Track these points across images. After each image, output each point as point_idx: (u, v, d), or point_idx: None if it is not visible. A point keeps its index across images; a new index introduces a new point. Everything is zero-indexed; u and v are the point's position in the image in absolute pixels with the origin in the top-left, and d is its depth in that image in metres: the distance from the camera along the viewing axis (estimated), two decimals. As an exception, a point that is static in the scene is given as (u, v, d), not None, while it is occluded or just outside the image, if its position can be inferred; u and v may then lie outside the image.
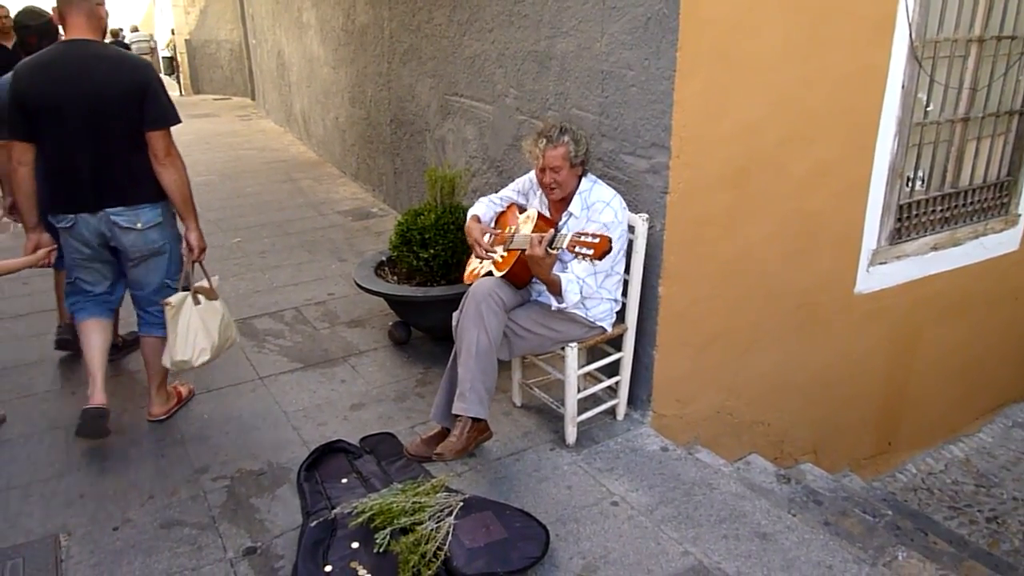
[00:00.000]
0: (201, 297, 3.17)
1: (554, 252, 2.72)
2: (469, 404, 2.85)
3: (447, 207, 3.88)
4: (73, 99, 2.83)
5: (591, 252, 2.58)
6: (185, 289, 3.17)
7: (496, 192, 3.36)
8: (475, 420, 2.89)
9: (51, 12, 3.28)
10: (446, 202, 3.92)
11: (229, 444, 3.21)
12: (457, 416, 2.87)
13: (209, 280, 3.25)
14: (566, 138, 2.88)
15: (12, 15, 3.43)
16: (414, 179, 5.88)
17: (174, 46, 16.18)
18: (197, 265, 3.19)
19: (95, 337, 3.19)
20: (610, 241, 2.60)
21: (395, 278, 4.01)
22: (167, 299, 3.11)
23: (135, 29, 18.28)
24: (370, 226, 6.23)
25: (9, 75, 2.96)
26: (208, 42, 14.83)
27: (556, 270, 2.88)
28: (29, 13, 3.76)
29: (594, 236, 2.61)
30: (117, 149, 2.92)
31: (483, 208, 3.28)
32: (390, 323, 4.14)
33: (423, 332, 4.11)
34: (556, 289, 2.86)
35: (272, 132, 10.66)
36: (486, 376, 2.87)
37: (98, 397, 3.10)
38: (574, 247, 2.63)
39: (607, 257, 2.69)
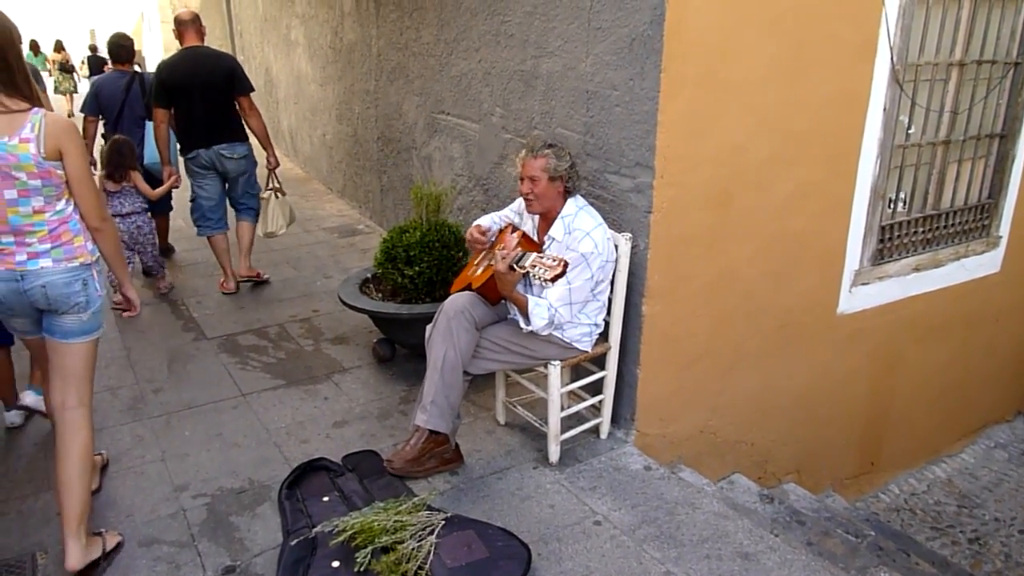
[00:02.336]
0: (279, 194, 5.11)
1: (519, 271, 2.73)
2: (429, 416, 2.87)
3: (432, 224, 3.88)
4: (193, 81, 4.60)
5: (546, 275, 2.60)
6: (271, 189, 5.05)
7: (483, 212, 3.39)
8: (433, 433, 2.89)
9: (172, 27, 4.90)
10: (431, 219, 3.92)
11: (210, 461, 3.18)
12: (417, 427, 2.88)
13: (280, 185, 5.11)
14: (548, 151, 2.91)
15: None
16: (400, 196, 5.89)
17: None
18: (273, 174, 5.07)
19: (220, 242, 4.98)
20: (566, 266, 2.61)
21: (380, 295, 4.00)
22: (262, 194, 5.08)
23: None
24: (356, 243, 6.22)
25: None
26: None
27: (533, 294, 2.90)
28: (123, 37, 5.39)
29: (553, 260, 2.63)
30: (220, 108, 4.71)
31: (488, 221, 3.31)
32: (374, 340, 4.13)
33: (408, 349, 4.09)
34: (522, 309, 2.87)
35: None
36: (450, 391, 2.88)
37: (230, 284, 5.08)
38: (535, 266, 2.66)
39: (578, 280, 2.76)
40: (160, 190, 4.87)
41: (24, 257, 2.39)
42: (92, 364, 2.64)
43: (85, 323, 2.52)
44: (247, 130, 4.90)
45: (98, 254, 2.55)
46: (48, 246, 2.41)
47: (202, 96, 4.60)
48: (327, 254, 5.94)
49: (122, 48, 5.28)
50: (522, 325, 2.93)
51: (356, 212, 7.14)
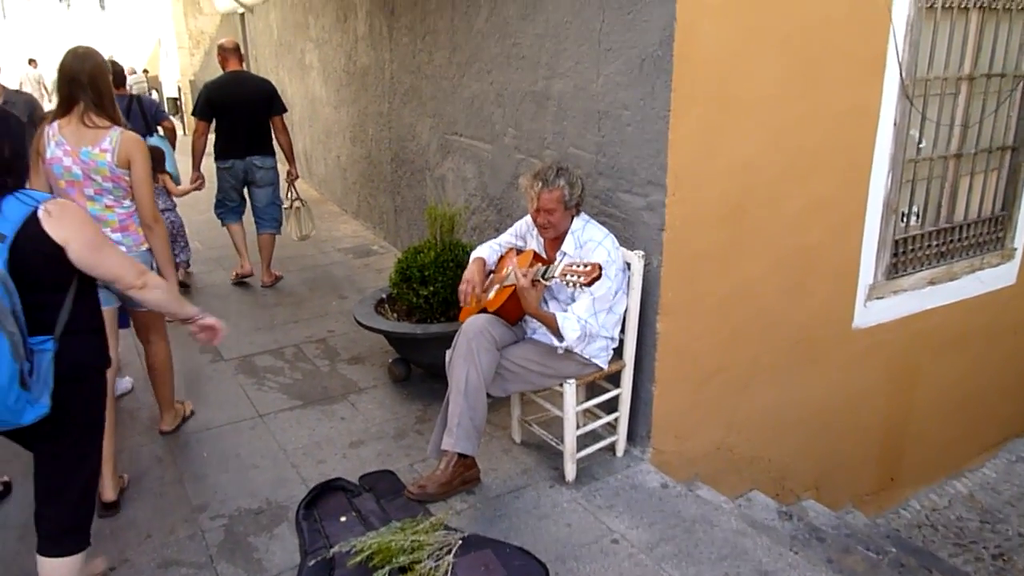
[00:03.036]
0: (302, 202, 5.94)
1: (543, 283, 2.74)
2: (456, 439, 2.87)
3: (446, 244, 3.92)
4: (236, 100, 5.33)
5: (582, 279, 2.61)
6: (294, 199, 5.82)
7: (496, 232, 3.41)
8: (462, 456, 2.90)
9: (217, 53, 5.63)
10: (445, 239, 3.96)
11: (228, 482, 3.20)
12: (444, 451, 2.88)
13: (299, 195, 5.91)
14: (561, 182, 2.92)
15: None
16: (414, 217, 5.94)
17: (179, 88, 16.42)
18: (293, 185, 5.80)
19: (237, 230, 5.73)
20: (601, 268, 2.62)
21: (395, 315, 4.03)
22: (285, 205, 5.82)
23: (132, 72, 18.64)
24: (371, 263, 6.27)
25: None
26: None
27: (555, 310, 2.91)
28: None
29: (585, 264, 2.65)
30: (258, 125, 5.43)
31: (487, 251, 3.32)
32: (390, 360, 4.15)
33: (423, 369, 4.11)
34: (552, 327, 2.88)
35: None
36: (475, 412, 2.88)
37: (246, 266, 5.75)
38: (566, 274, 2.66)
39: (601, 288, 2.74)
40: (184, 188, 5.24)
41: None
42: (162, 316, 3.32)
43: None
44: (275, 145, 5.62)
45: None
46: (120, 235, 3.03)
47: (243, 113, 5.34)
48: (342, 274, 5.99)
49: (117, 75, 5.41)
50: (555, 343, 2.94)
51: (370, 233, 7.20)
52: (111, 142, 2.89)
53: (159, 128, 5.20)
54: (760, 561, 2.68)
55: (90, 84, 2.90)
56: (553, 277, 2.73)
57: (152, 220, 3.05)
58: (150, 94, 17.44)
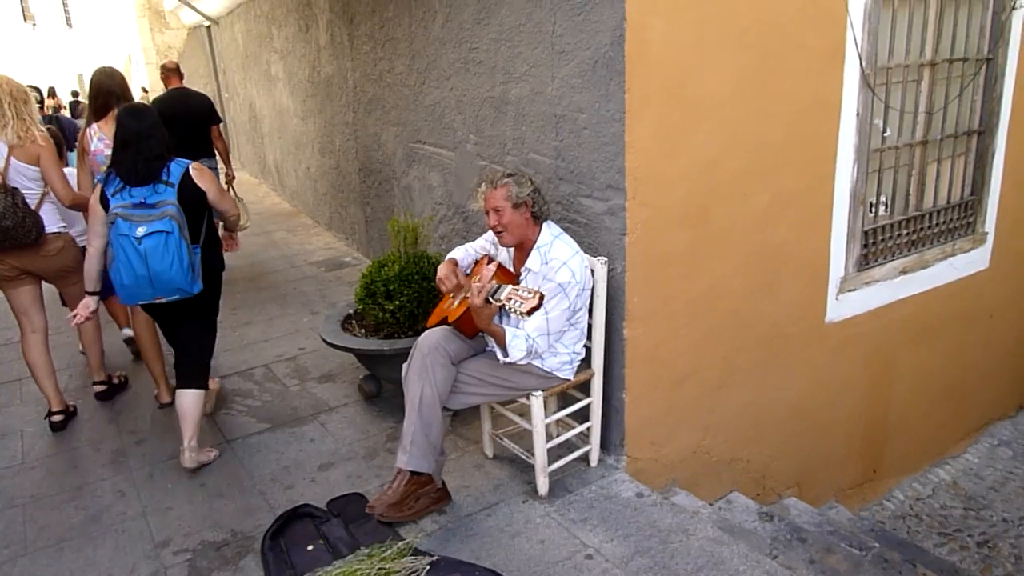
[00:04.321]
0: (239, 198, 5.83)
1: (494, 304, 2.68)
2: (409, 457, 2.80)
3: (411, 257, 3.84)
4: (181, 113, 5.63)
5: (522, 307, 2.55)
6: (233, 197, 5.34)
7: (464, 240, 3.35)
8: (415, 474, 2.83)
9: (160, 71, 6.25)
10: (409, 252, 3.88)
11: (192, 514, 3.11)
12: (399, 469, 2.82)
13: (236, 193, 6.08)
14: (507, 180, 2.86)
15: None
16: (384, 227, 5.84)
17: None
18: (231, 184, 6.08)
19: None
20: (542, 298, 2.56)
21: (363, 331, 3.94)
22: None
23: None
24: (343, 276, 6.18)
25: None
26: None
27: (510, 324, 2.84)
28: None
29: (528, 292, 2.58)
30: (200, 134, 5.81)
31: (461, 253, 3.24)
32: (360, 377, 4.07)
33: (393, 385, 4.03)
34: (500, 341, 2.81)
35: (248, 183, 10.63)
36: (429, 429, 2.82)
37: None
38: (509, 299, 2.60)
39: (556, 309, 2.73)
40: None
41: None
42: None
43: None
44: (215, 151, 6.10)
45: None
46: None
47: (187, 124, 5.67)
48: (313, 289, 5.90)
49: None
50: (500, 357, 2.88)
51: (343, 244, 7.11)
52: None
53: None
54: (737, 570, 2.62)
55: (121, 94, 3.88)
56: (500, 300, 2.66)
57: None
58: None
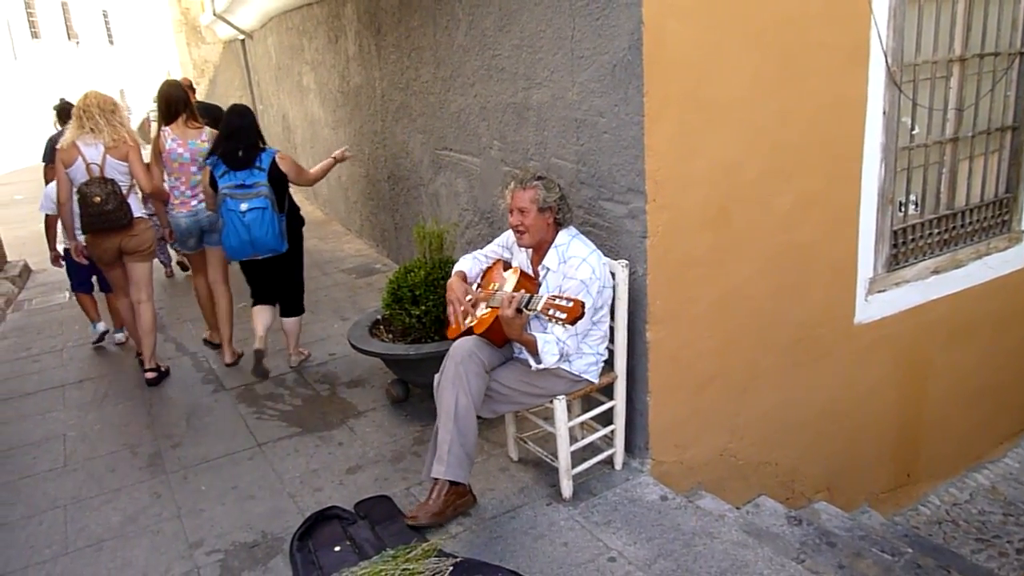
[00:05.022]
0: None
1: (527, 313, 2.69)
2: (447, 467, 2.82)
3: (436, 263, 3.88)
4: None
5: (564, 316, 2.55)
6: None
7: (485, 245, 3.37)
8: (453, 483, 2.85)
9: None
10: (435, 258, 3.93)
11: (224, 516, 3.19)
12: (435, 479, 2.84)
13: None
14: (537, 183, 2.89)
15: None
16: (413, 234, 5.91)
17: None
18: None
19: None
20: (583, 307, 2.56)
21: (390, 336, 4.00)
22: None
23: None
24: (373, 282, 6.25)
25: None
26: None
27: (536, 330, 2.86)
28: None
29: (568, 300, 2.58)
30: None
31: (469, 264, 3.26)
32: (388, 381, 4.12)
33: (420, 389, 4.08)
34: (533, 349, 2.83)
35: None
36: (465, 439, 2.83)
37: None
38: (547, 310, 2.60)
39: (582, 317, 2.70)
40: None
41: (196, 203, 4.48)
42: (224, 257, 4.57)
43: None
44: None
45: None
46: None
47: None
48: (344, 296, 5.98)
49: (65, 110, 6.66)
50: (532, 364, 2.89)
51: (374, 251, 7.20)
52: (207, 136, 4.45)
53: None
54: (761, 574, 2.61)
55: (187, 101, 4.52)
56: (535, 310, 2.67)
57: None
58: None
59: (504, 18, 3.67)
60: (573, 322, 2.56)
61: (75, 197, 4.18)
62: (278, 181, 4.12)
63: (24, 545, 3.11)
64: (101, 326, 5.32)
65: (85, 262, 4.67)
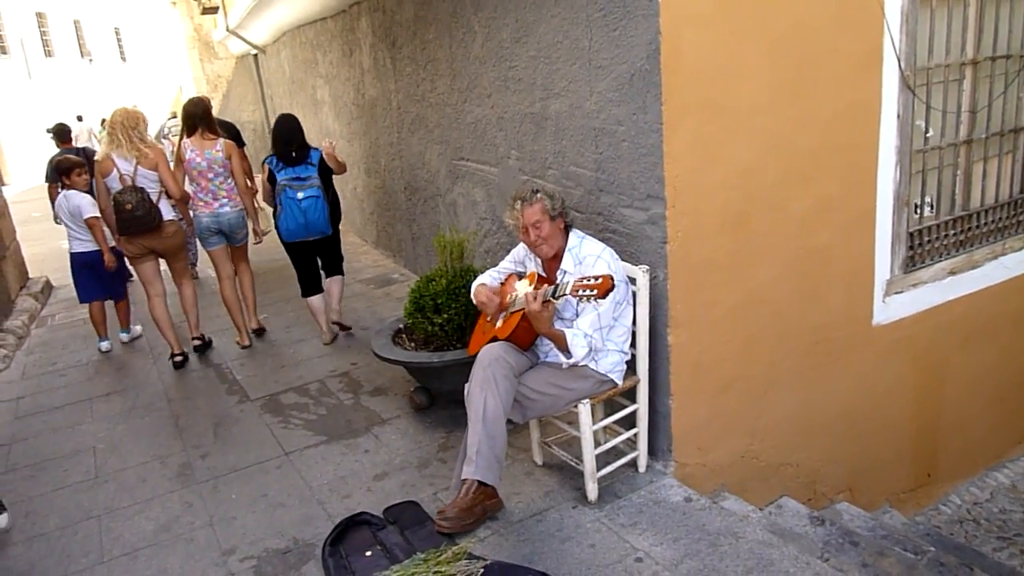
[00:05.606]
0: (263, 206, 5.80)
1: (554, 302, 2.76)
2: (476, 468, 2.87)
3: (457, 271, 3.95)
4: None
5: (595, 292, 2.61)
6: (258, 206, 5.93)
7: (510, 251, 3.45)
8: (482, 484, 2.90)
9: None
10: (455, 266, 3.99)
11: (256, 523, 3.25)
12: (464, 479, 2.89)
13: (259, 202, 6.03)
14: (539, 195, 2.99)
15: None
16: (431, 244, 5.96)
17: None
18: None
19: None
20: (612, 279, 2.62)
21: (412, 344, 4.06)
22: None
23: (174, 116, 19.24)
24: (391, 292, 6.33)
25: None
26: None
27: (563, 328, 2.92)
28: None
29: (596, 277, 2.65)
30: None
31: (488, 279, 3.38)
32: (411, 389, 4.18)
33: (444, 396, 4.13)
34: (562, 344, 2.89)
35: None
36: (494, 441, 2.88)
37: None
38: (578, 290, 2.66)
39: (609, 303, 2.73)
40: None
41: (217, 205, 5.08)
42: (246, 254, 5.48)
43: (243, 236, 5.30)
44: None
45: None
46: (226, 200, 5.10)
47: None
48: (364, 306, 6.05)
49: (63, 132, 7.56)
50: (563, 360, 2.95)
51: (391, 262, 7.28)
52: (221, 146, 5.04)
53: None
54: (787, 571, 2.64)
55: (204, 116, 5.06)
56: (564, 295, 2.74)
57: (244, 189, 5.17)
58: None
59: (520, 30, 3.74)
60: (604, 295, 2.60)
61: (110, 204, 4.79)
62: (325, 175, 4.92)
63: (61, 555, 3.18)
64: (105, 345, 5.66)
65: (114, 266, 5.28)
